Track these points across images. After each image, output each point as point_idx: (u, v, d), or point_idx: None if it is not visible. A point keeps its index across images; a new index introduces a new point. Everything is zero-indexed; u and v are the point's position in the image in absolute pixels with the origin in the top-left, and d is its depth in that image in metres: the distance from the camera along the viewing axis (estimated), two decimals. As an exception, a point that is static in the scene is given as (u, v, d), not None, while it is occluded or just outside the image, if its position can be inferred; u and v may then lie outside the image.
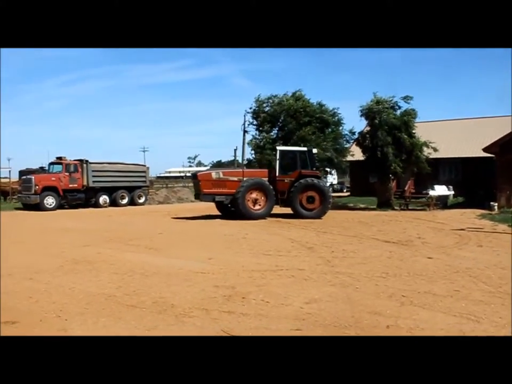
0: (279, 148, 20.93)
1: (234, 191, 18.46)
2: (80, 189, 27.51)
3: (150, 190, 35.81)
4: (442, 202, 25.72)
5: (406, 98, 24.96)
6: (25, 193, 25.83)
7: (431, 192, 26.67)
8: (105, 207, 28.38)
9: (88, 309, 6.03)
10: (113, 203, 29.13)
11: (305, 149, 21.08)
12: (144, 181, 32.03)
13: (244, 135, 56.15)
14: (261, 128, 29.66)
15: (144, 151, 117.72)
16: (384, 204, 25.11)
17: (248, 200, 18.61)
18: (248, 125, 32.20)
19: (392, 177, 25.90)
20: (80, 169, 27.52)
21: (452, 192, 29.75)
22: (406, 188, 27.72)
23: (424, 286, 7.07)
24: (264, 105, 29.89)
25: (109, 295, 6.70)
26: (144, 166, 33.16)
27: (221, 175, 19.30)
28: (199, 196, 19.88)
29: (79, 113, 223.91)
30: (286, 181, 19.68)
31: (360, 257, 9.68)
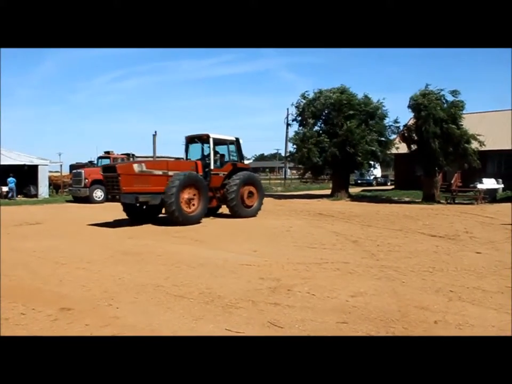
0: (212, 135, 16.61)
1: (161, 188, 14.43)
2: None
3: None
4: (490, 196, 25.01)
5: (454, 93, 24.29)
6: (76, 186, 26.66)
7: (479, 186, 25.96)
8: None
9: (137, 299, 6.22)
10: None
11: (233, 138, 17.71)
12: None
13: (287, 128, 56.15)
14: (304, 122, 29.50)
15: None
16: (430, 198, 24.61)
17: (182, 201, 14.64)
18: (293, 119, 31.96)
19: (439, 170, 25.35)
20: (127, 164, 28.05)
21: (501, 186, 28.77)
22: (452, 181, 27.14)
23: (473, 282, 6.93)
24: (309, 99, 29.69)
25: (157, 285, 6.88)
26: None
27: (144, 168, 14.65)
28: (115, 195, 14.54)
29: (127, 108, 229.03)
30: (220, 175, 16.91)
31: (406, 251, 9.55)
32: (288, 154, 37.83)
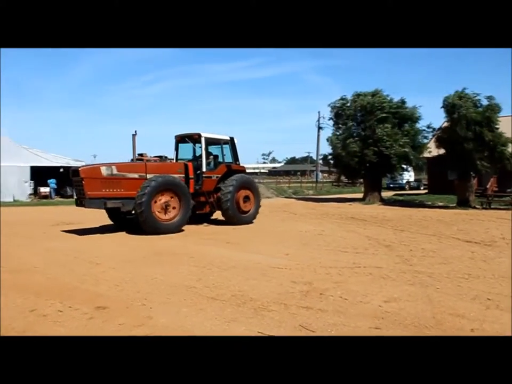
0: (204, 134, 15.37)
1: (135, 192, 13.10)
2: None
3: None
4: (529, 202, 24.34)
5: (490, 98, 23.70)
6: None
7: (516, 191, 25.30)
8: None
9: (170, 299, 6.28)
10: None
11: (227, 137, 16.38)
12: (220, 177, 32.42)
13: (319, 131, 56.01)
14: (339, 125, 29.38)
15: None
16: (464, 202, 24.07)
17: (156, 207, 13.22)
18: (329, 119, 31.73)
19: (473, 175, 24.79)
20: (159, 165, 28.38)
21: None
22: (488, 186, 26.49)
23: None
24: (344, 101, 29.55)
25: (189, 286, 6.94)
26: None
27: (115, 171, 13.17)
28: (81, 201, 13.30)
29: (157, 111, 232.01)
30: (213, 178, 15.60)
31: (440, 257, 9.38)
32: (321, 156, 37.65)
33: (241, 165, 16.56)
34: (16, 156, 29.95)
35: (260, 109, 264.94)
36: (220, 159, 16.19)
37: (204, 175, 15.23)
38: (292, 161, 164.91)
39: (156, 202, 13.16)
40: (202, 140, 15.25)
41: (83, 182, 12.70)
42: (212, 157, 16.00)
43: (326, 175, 79.71)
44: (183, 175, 14.59)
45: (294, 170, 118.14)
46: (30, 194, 30.74)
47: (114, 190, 13.06)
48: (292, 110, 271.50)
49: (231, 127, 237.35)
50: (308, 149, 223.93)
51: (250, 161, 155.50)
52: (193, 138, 15.66)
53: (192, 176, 14.85)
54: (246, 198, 15.83)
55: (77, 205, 13.77)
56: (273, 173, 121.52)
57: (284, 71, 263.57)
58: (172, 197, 13.53)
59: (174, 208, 13.57)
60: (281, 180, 65.68)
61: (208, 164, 15.58)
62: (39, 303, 6.09)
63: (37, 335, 4.91)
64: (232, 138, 16.36)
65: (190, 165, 14.98)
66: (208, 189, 15.40)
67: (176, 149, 16.34)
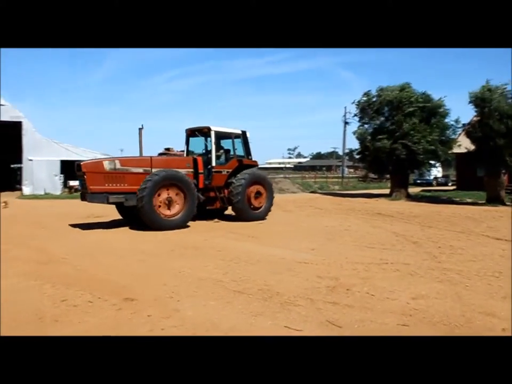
0: (214, 127, 14.86)
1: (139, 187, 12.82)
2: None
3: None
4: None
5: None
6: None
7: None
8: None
9: (197, 292, 6.33)
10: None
11: (239, 131, 15.84)
12: (247, 172, 32.50)
13: (345, 127, 55.53)
14: (365, 120, 29.13)
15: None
16: (494, 199, 23.58)
17: (158, 202, 12.85)
18: (354, 115, 31.45)
19: (504, 171, 24.27)
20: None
21: None
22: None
23: (543, 288, 6.61)
24: (370, 96, 29.25)
25: (216, 280, 6.98)
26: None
27: (118, 165, 12.93)
28: (84, 195, 13.21)
29: (184, 107, 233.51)
30: (223, 172, 15.14)
31: (470, 254, 9.22)
32: (348, 151, 37.42)
33: (254, 159, 16.25)
34: (47, 150, 30.54)
35: (286, 104, 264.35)
36: (232, 154, 15.64)
37: (213, 170, 14.80)
38: (318, 156, 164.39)
39: (158, 197, 12.82)
40: (212, 133, 14.78)
41: (85, 176, 12.56)
42: (222, 151, 15.53)
43: (351, 170, 79.20)
44: (192, 170, 14.27)
45: (319, 166, 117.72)
46: (64, 187, 31.34)
47: (118, 185, 12.80)
48: (318, 105, 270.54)
49: (257, 123, 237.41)
50: (333, 144, 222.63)
51: (275, 156, 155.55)
52: (203, 132, 15.29)
53: (201, 171, 14.52)
54: (258, 194, 15.34)
55: (82, 199, 13.55)
56: (298, 168, 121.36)
57: (310, 66, 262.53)
58: (176, 192, 13.18)
59: (177, 203, 13.20)
60: (306, 175, 65.45)
61: (218, 158, 15.15)
62: (70, 294, 6.22)
63: (35, 334, 4.99)
64: (244, 132, 15.87)
65: (199, 159, 14.63)
66: (218, 184, 15.01)
67: (187, 143, 16.00)
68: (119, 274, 7.38)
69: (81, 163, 12.84)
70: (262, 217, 15.50)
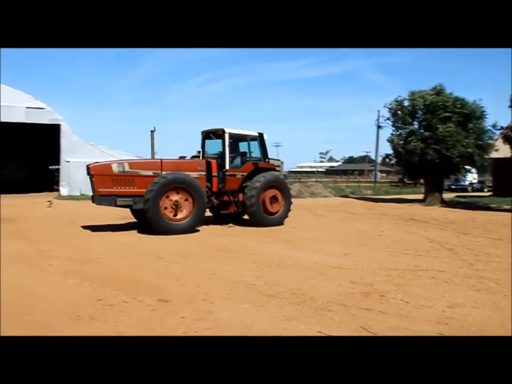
0: (228, 130, 14.43)
1: None
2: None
3: (283, 184, 36.34)
4: None
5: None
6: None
7: None
8: (240, 199, 29.55)
9: (230, 295, 6.36)
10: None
11: (256, 133, 15.30)
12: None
13: (378, 130, 54.90)
14: (398, 125, 28.76)
15: (277, 146, 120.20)
16: (533, 206, 22.94)
17: (165, 205, 12.46)
18: (386, 119, 31.06)
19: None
20: (218, 162, 28.87)
21: None
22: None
23: None
24: (402, 100, 28.86)
25: (249, 283, 7.00)
26: (279, 160, 33.70)
27: (127, 168, 12.78)
28: (93, 197, 13.16)
29: (216, 109, 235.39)
30: (238, 176, 14.66)
31: (507, 263, 8.97)
32: (382, 156, 36.95)
33: (272, 162, 15.78)
34: (83, 152, 31.17)
35: (318, 107, 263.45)
36: (248, 157, 15.09)
37: (227, 173, 14.35)
38: (350, 160, 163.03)
39: (165, 200, 12.46)
40: (226, 135, 14.34)
41: (93, 178, 12.57)
42: (238, 153, 15.19)
43: (384, 175, 78.30)
44: (204, 173, 13.83)
45: (351, 170, 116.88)
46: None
47: (126, 188, 12.65)
48: (350, 108, 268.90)
49: (288, 125, 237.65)
50: (366, 148, 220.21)
51: (307, 160, 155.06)
52: (218, 134, 14.81)
53: (215, 174, 14.10)
54: (274, 199, 14.69)
55: (92, 201, 13.35)
56: (330, 172, 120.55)
57: (343, 69, 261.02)
58: (184, 196, 12.75)
59: (185, 208, 12.77)
60: (338, 179, 65.04)
61: (232, 161, 14.72)
62: (106, 293, 6.33)
63: (34, 334, 5.09)
64: (261, 134, 15.36)
65: (213, 162, 14.18)
66: (232, 188, 14.48)
67: (203, 145, 15.60)
68: (154, 276, 7.47)
69: (90, 165, 12.84)
70: (278, 223, 14.81)
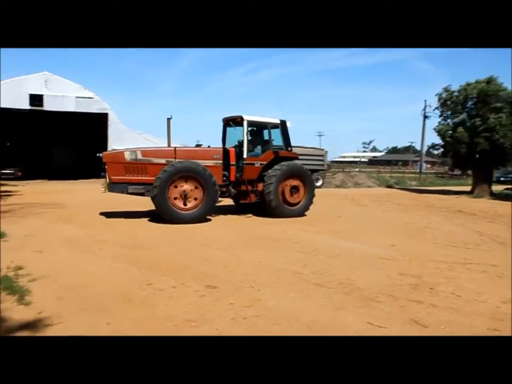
0: (247, 117, 13.91)
1: None
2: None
3: (326, 174, 36.19)
4: None
5: None
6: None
7: None
8: (284, 188, 29.60)
9: (277, 283, 6.37)
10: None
11: (278, 120, 14.55)
12: (322, 165, 32.51)
13: (424, 120, 53.70)
14: (446, 115, 27.98)
15: (320, 136, 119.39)
16: None
17: (173, 195, 12.25)
18: (435, 108, 30.23)
19: None
20: (263, 152, 28.94)
21: None
22: None
23: None
24: (452, 90, 28.03)
25: (296, 272, 6.99)
26: (323, 149, 33.56)
27: (139, 156, 12.67)
28: (107, 185, 13.30)
29: (259, 99, 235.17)
30: (256, 165, 14.04)
31: None
32: (429, 146, 36.09)
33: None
34: (130, 140, 31.78)
35: (362, 97, 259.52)
36: (270, 145, 14.45)
37: (244, 162, 13.83)
38: (393, 151, 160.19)
39: (174, 189, 12.25)
40: (245, 123, 13.82)
41: (106, 166, 12.64)
42: (258, 141, 14.67)
43: (429, 165, 76.58)
44: (220, 162, 13.46)
45: (395, 160, 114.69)
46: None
47: (139, 176, 12.53)
48: (395, 98, 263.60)
49: (331, 115, 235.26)
50: (410, 139, 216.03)
51: (350, 149, 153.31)
52: (237, 122, 14.34)
53: (233, 163, 13.76)
54: (294, 189, 13.99)
55: (107, 189, 13.36)
56: (373, 162, 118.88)
57: (388, 58, 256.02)
58: (194, 185, 12.43)
59: (195, 196, 12.45)
60: (381, 170, 64.01)
61: (251, 150, 14.25)
62: (155, 278, 6.45)
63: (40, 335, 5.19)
64: (283, 122, 14.55)
65: (231, 150, 13.87)
66: (251, 177, 13.92)
67: (224, 132, 15.23)
68: (200, 262, 7.56)
69: (102, 153, 12.96)
70: (299, 214, 14.10)
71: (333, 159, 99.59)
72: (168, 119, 14.04)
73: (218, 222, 12.66)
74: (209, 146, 14.51)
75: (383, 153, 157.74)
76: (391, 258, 8.11)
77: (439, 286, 6.41)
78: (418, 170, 57.62)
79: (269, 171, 13.76)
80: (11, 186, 27.53)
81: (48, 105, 33.94)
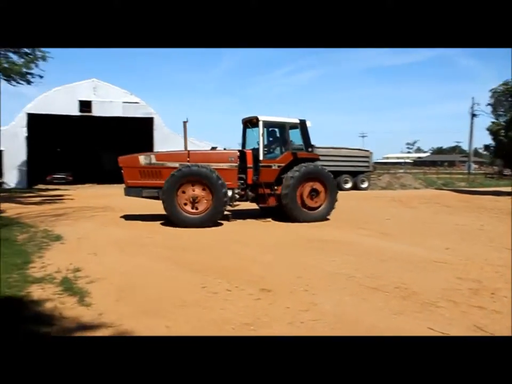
0: (262, 117, 13.53)
1: None
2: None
3: (371, 175, 35.74)
4: None
5: None
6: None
7: None
8: (330, 190, 29.47)
9: (331, 287, 6.29)
10: (337, 187, 29.96)
11: (297, 120, 13.99)
12: (368, 166, 32.20)
13: (472, 119, 52.16)
14: (499, 112, 27.11)
15: (362, 136, 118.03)
16: None
17: (182, 199, 12.15)
18: (487, 104, 29.32)
19: None
20: (307, 154, 28.91)
21: None
22: None
23: None
24: (508, 86, 27.12)
25: (349, 275, 6.88)
26: (368, 151, 33.16)
27: (154, 160, 12.79)
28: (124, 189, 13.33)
29: (300, 99, 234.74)
30: (274, 167, 13.50)
31: None
32: (481, 147, 35.07)
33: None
34: (174, 143, 32.23)
35: (405, 95, 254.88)
36: (289, 146, 13.85)
37: (260, 165, 13.38)
38: (439, 151, 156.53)
39: (182, 193, 12.15)
40: (260, 123, 13.43)
41: (122, 170, 12.89)
42: (276, 143, 14.23)
43: (476, 166, 74.52)
44: (235, 164, 13.09)
45: (440, 161, 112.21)
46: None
47: (153, 179, 12.62)
48: (439, 96, 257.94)
49: (373, 115, 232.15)
50: (456, 138, 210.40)
51: (393, 150, 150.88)
52: (253, 123, 13.94)
53: (251, 165, 13.36)
54: (314, 192, 13.29)
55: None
56: (418, 163, 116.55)
57: (432, 55, 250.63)
58: (201, 189, 12.21)
59: (203, 201, 12.23)
60: (427, 171, 62.64)
61: (268, 152, 13.89)
62: (208, 281, 6.48)
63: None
64: (302, 122, 13.97)
65: (249, 153, 13.51)
66: (268, 180, 13.42)
67: (244, 134, 14.81)
68: (252, 265, 7.56)
69: (119, 157, 13.16)
70: (318, 219, 13.30)
71: (375, 161, 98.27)
72: (184, 122, 14.22)
73: (251, 225, 12.64)
74: (225, 149, 14.55)
75: (427, 153, 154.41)
76: (446, 261, 7.88)
77: (500, 291, 6.16)
78: (466, 171, 56.07)
79: (287, 173, 13.25)
80: (63, 191, 28.44)
81: (96, 111, 35.02)
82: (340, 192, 27.94)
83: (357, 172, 31.37)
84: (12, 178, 34.05)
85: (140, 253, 8.52)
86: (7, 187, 32.73)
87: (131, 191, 12.86)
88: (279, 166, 13.47)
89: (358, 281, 6.56)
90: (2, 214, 14.81)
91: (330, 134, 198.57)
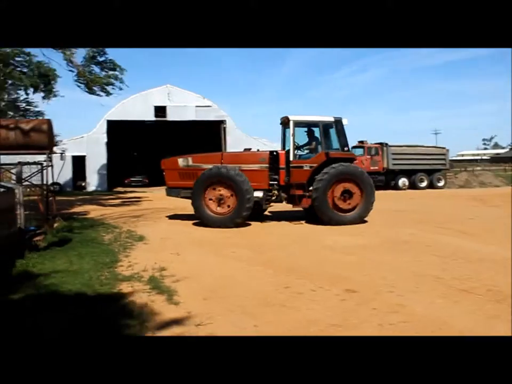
0: (292, 117, 13.27)
1: None
2: (380, 171, 28.57)
3: (448, 173, 34.52)
4: None
5: None
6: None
7: None
8: (404, 189, 29.01)
9: (419, 288, 6.12)
10: (412, 186, 29.47)
11: (331, 119, 13.40)
12: (444, 164, 31.19)
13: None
14: None
15: (436, 134, 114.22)
16: None
17: (209, 199, 12.50)
18: None
19: None
20: (380, 152, 28.58)
21: None
22: None
23: None
24: None
25: (436, 276, 6.67)
26: (444, 148, 32.08)
27: (190, 162, 13.37)
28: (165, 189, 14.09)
29: (366, 99, 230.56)
30: (305, 167, 13.08)
31: None
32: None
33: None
34: (247, 145, 32.70)
35: (480, 90, 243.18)
36: (325, 146, 13.33)
37: (291, 165, 13.12)
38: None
39: (209, 193, 12.51)
40: (291, 124, 13.20)
41: (164, 172, 13.72)
42: (310, 143, 13.74)
43: None
44: (266, 165, 13.04)
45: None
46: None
47: (190, 180, 12.97)
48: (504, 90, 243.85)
49: (447, 111, 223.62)
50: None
51: (468, 147, 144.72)
52: (284, 124, 13.91)
53: (283, 166, 13.19)
54: (346, 193, 12.66)
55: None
56: (496, 159, 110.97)
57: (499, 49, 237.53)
58: (225, 190, 12.43)
59: (227, 201, 12.43)
60: (506, 167, 59.51)
61: (303, 152, 13.69)
62: (291, 281, 6.50)
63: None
64: (338, 120, 13.41)
65: (282, 154, 13.38)
66: (299, 181, 13.04)
67: (283, 134, 14.46)
68: (333, 266, 7.50)
69: (162, 160, 14.01)
70: (352, 221, 12.66)
71: (450, 158, 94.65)
72: (224, 127, 14.52)
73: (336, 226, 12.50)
74: (258, 150, 14.65)
75: (506, 149, 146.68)
76: (540, 263, 7.45)
77: None
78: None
79: (319, 174, 12.78)
80: (140, 193, 29.54)
81: (170, 116, 36.21)
82: (416, 192, 27.43)
83: (432, 170, 30.42)
84: (93, 182, 35.99)
85: (221, 253, 8.69)
86: (89, 190, 34.62)
87: (171, 191, 13.70)
88: (311, 167, 13.08)
89: (446, 283, 6.34)
90: (87, 216, 15.60)
91: (398, 132, 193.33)
